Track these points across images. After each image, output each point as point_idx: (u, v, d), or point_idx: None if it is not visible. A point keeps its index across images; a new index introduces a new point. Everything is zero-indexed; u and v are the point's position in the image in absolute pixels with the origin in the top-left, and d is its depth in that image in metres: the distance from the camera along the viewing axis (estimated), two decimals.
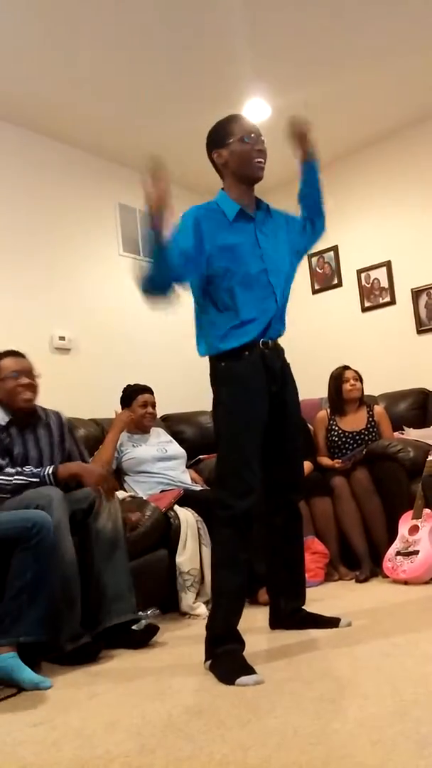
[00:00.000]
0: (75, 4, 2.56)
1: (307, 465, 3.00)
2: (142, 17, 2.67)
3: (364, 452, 3.00)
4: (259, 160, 1.89)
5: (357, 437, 3.14)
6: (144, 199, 1.71)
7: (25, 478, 2.09)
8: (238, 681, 1.54)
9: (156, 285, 1.78)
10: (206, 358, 1.92)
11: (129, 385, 3.01)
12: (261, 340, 1.87)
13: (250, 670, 1.58)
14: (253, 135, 1.89)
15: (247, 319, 1.84)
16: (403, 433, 3.22)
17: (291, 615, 2.01)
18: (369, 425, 3.16)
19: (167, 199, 1.70)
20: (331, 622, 1.98)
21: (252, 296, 1.85)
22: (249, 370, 1.84)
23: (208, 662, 1.69)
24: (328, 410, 3.28)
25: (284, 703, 1.39)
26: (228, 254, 1.84)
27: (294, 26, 2.82)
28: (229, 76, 3.14)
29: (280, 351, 1.96)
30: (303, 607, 2.04)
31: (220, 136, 1.91)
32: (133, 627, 1.99)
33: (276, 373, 1.90)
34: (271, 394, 1.88)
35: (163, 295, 1.80)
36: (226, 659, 1.64)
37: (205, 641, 1.72)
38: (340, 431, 3.18)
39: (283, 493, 1.98)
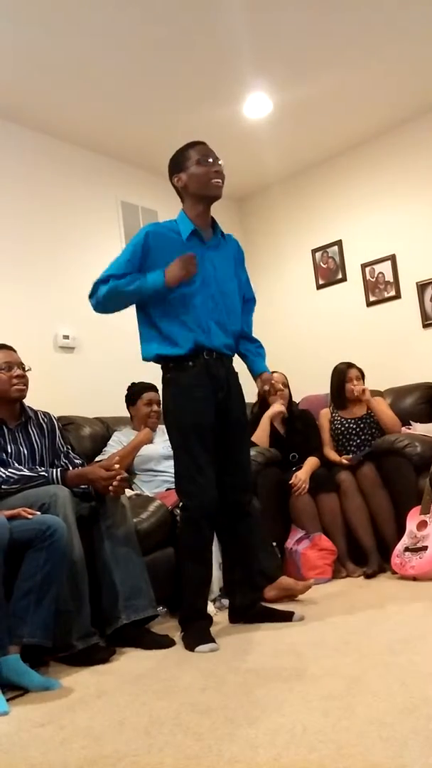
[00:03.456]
0: (77, 3, 2.55)
1: (314, 461, 2.99)
2: (142, 13, 2.65)
3: (369, 449, 3.00)
4: (217, 180, 2.03)
5: (360, 422, 3.15)
6: (183, 269, 1.95)
7: (31, 472, 2.09)
8: (197, 648, 1.85)
9: (110, 307, 2.09)
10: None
11: (134, 383, 3.01)
12: (204, 352, 2.02)
13: (208, 640, 1.88)
14: (210, 158, 2.03)
15: (184, 330, 2.01)
16: (410, 428, 3.20)
17: (247, 609, 2.13)
18: (368, 411, 3.18)
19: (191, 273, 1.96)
20: (285, 616, 2.08)
21: (191, 310, 2.00)
22: (194, 380, 2.00)
23: (181, 634, 1.97)
24: (331, 405, 3.28)
25: (292, 701, 1.38)
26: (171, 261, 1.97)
27: (295, 20, 2.79)
28: (231, 72, 3.12)
29: (225, 361, 2.10)
30: (258, 602, 2.18)
31: (179, 161, 2.06)
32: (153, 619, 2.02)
33: (221, 381, 2.05)
34: (218, 401, 2.03)
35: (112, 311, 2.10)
36: (191, 632, 1.92)
37: (178, 619, 2.03)
38: (342, 419, 3.20)
39: (230, 495, 2.09)
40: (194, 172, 2.02)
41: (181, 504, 2.08)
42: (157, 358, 2.07)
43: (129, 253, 2.03)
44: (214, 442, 2.03)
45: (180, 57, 2.97)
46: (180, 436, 2.02)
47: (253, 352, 2.24)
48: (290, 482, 2.85)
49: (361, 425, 3.15)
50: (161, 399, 2.10)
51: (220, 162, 2.05)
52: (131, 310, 2.14)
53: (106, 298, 2.02)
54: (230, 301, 2.12)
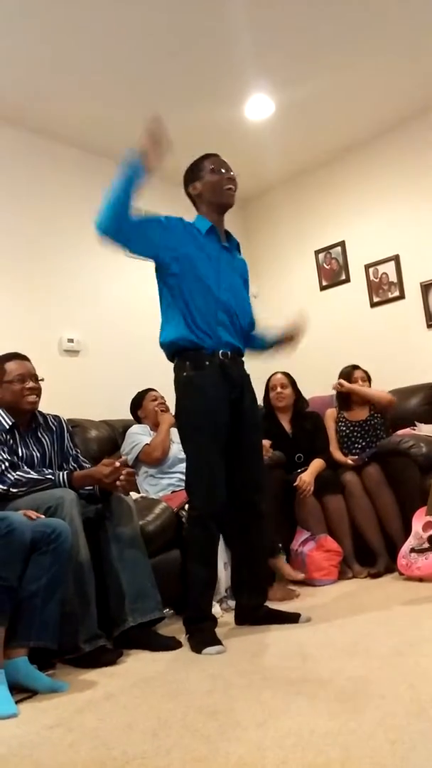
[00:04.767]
0: (76, 3, 2.56)
1: (320, 463, 2.99)
2: (143, 14, 2.66)
3: (375, 449, 3.01)
4: (230, 186, 2.12)
5: (364, 425, 3.17)
6: (147, 136, 1.90)
7: (39, 475, 2.10)
8: (204, 651, 1.85)
9: (112, 232, 1.95)
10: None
11: (136, 393, 3.08)
12: (220, 351, 2.05)
13: (215, 642, 1.88)
14: (223, 168, 2.14)
15: (200, 323, 2.03)
16: (414, 429, 3.19)
17: (253, 611, 2.14)
18: (371, 413, 3.20)
19: (166, 145, 1.90)
20: (292, 618, 2.09)
21: (207, 304, 2.04)
22: (209, 380, 2.02)
23: (186, 636, 1.97)
24: (337, 407, 3.29)
25: (300, 703, 1.39)
26: (190, 261, 2.04)
27: (296, 21, 2.80)
28: (232, 73, 3.12)
29: (239, 362, 2.14)
30: (265, 603, 2.18)
31: (194, 171, 2.17)
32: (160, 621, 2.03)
33: (235, 382, 2.08)
34: (231, 402, 2.05)
35: (113, 234, 1.96)
36: (198, 634, 1.93)
37: (183, 620, 2.02)
38: (347, 422, 3.22)
39: (242, 494, 2.11)
40: (209, 180, 2.13)
41: (189, 503, 2.09)
42: (177, 345, 2.06)
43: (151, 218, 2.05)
44: (226, 442, 2.05)
45: (181, 58, 2.98)
46: (192, 436, 2.04)
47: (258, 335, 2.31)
48: (295, 484, 2.86)
49: (366, 427, 3.17)
50: (175, 398, 2.10)
51: (232, 172, 2.16)
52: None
53: (102, 210, 1.95)
54: (245, 303, 2.19)
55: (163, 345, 2.12)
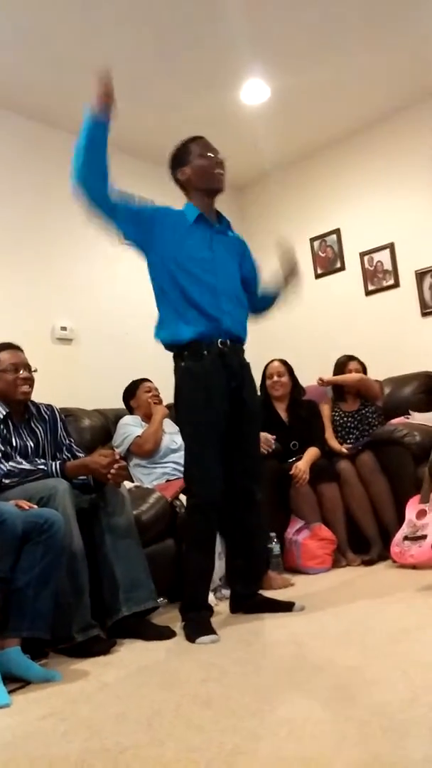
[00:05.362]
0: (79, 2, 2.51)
1: (315, 451, 2.99)
2: (140, 3, 2.60)
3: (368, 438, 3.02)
4: (219, 171, 2.07)
5: (356, 415, 3.19)
6: (98, 92, 1.90)
7: (31, 466, 2.09)
8: (198, 640, 1.84)
9: (88, 179, 1.90)
10: None
11: (129, 382, 3.05)
12: (219, 339, 2.01)
13: (209, 631, 1.86)
14: (211, 151, 2.07)
15: (198, 314, 2.00)
16: (408, 417, 3.19)
17: (248, 599, 2.14)
18: (362, 403, 3.23)
19: (113, 97, 1.90)
20: (286, 606, 2.09)
21: (201, 294, 2.00)
22: (208, 369, 1.99)
23: (182, 624, 1.96)
24: (332, 397, 3.29)
25: (294, 692, 1.39)
26: (180, 251, 2.00)
27: (292, 6, 2.75)
28: (228, 58, 3.07)
29: (238, 350, 2.10)
30: (259, 592, 2.18)
31: (181, 155, 2.10)
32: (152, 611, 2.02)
33: (235, 371, 2.05)
34: (231, 391, 2.02)
35: (94, 200, 1.93)
36: (192, 623, 1.92)
37: (179, 608, 2.01)
38: (341, 412, 3.24)
39: (240, 482, 2.09)
40: (198, 164, 2.06)
41: (188, 492, 2.08)
42: (172, 342, 2.05)
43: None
44: (225, 431, 2.03)
45: (175, 43, 2.92)
46: (191, 425, 2.03)
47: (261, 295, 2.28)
48: (290, 473, 2.85)
49: (358, 418, 3.18)
50: (174, 387, 2.08)
51: (220, 155, 2.09)
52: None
53: (74, 167, 1.93)
54: (239, 289, 2.15)
55: (160, 338, 2.09)
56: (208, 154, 2.06)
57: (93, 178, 1.91)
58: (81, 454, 2.31)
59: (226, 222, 2.19)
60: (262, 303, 2.28)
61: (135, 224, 2.00)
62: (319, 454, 3.00)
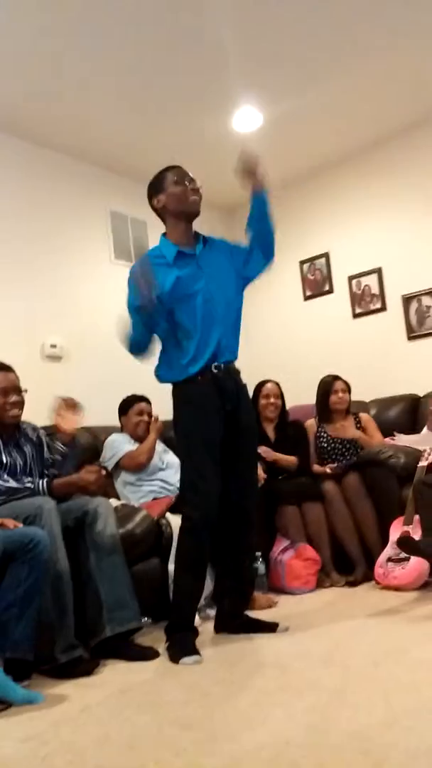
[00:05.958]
0: (65, 13, 2.57)
1: (292, 458, 3.05)
2: (133, 26, 2.67)
3: (354, 459, 3.04)
4: (194, 197, 2.12)
5: (347, 443, 3.17)
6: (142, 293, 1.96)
7: (18, 484, 2.10)
8: (181, 661, 1.85)
9: (141, 347, 2.11)
10: None
11: (127, 396, 3.05)
12: (213, 364, 2.06)
13: (193, 652, 1.88)
14: (186, 178, 2.12)
15: (194, 352, 2.05)
16: (393, 439, 3.23)
17: (233, 619, 2.14)
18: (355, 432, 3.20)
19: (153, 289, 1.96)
20: (270, 627, 2.10)
21: (197, 327, 2.05)
22: (203, 393, 2.04)
23: (166, 644, 1.96)
24: (316, 417, 3.31)
25: (276, 715, 1.39)
26: (173, 290, 2.04)
27: (284, 34, 2.83)
28: (221, 84, 3.14)
29: (233, 373, 2.14)
30: (244, 612, 2.19)
31: (157, 184, 2.15)
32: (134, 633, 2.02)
33: (230, 393, 2.08)
34: (226, 414, 2.06)
35: (145, 351, 2.13)
36: (177, 644, 1.93)
37: (165, 628, 2.01)
38: (328, 437, 3.22)
39: (236, 500, 2.11)
40: (172, 191, 2.11)
41: (183, 513, 2.09)
42: (173, 380, 2.11)
43: (132, 295, 2.08)
44: (221, 454, 2.05)
45: (171, 69, 2.99)
46: (188, 448, 2.06)
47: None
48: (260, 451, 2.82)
49: (348, 446, 3.17)
50: (173, 410, 2.11)
51: (197, 181, 2.13)
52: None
53: (129, 346, 2.12)
54: (233, 309, 2.17)
55: (159, 378, 2.16)
56: (184, 181, 2.10)
57: (141, 351, 2.12)
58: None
59: (202, 239, 2.18)
60: (259, 234, 2.18)
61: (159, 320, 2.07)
62: (295, 462, 3.04)
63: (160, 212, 2.16)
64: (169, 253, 2.11)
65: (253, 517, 2.18)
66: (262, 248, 2.20)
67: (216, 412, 2.04)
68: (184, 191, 2.10)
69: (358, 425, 3.24)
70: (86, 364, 3.44)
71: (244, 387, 2.19)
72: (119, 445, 2.86)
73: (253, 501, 2.19)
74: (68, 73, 2.94)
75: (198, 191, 2.12)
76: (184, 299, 2.06)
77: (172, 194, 2.10)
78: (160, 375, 2.16)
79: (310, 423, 3.31)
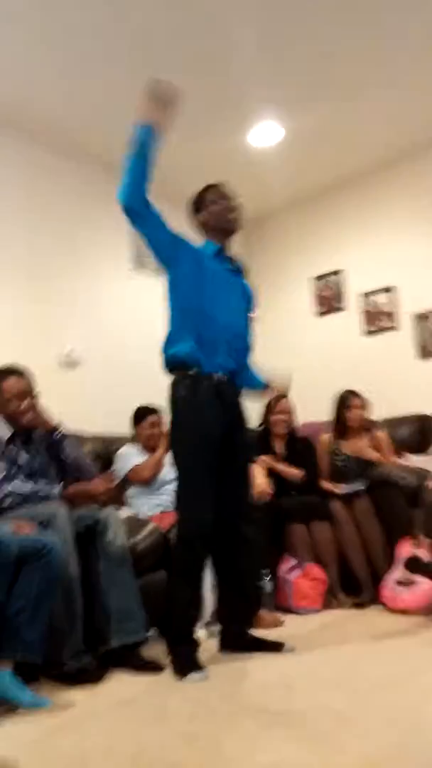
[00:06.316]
0: (85, 30, 2.63)
1: (296, 471, 3.07)
2: (154, 40, 2.72)
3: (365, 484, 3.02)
4: (233, 215, 2.21)
5: (362, 463, 3.14)
6: (148, 98, 1.91)
7: (34, 488, 2.12)
8: (187, 675, 1.84)
9: (131, 185, 1.99)
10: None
11: (141, 406, 3.05)
12: (217, 373, 2.07)
13: (198, 667, 1.88)
14: (226, 196, 2.21)
15: (202, 341, 2.06)
16: (403, 458, 3.22)
17: (238, 638, 2.13)
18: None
19: (173, 98, 1.91)
20: (276, 647, 2.08)
21: (209, 325, 2.07)
22: (204, 402, 2.03)
23: (170, 658, 1.94)
24: (332, 433, 3.30)
25: (282, 737, 1.39)
26: (198, 280, 2.08)
27: (305, 49, 2.86)
28: (241, 99, 3.19)
29: (234, 384, 2.15)
30: (249, 631, 2.18)
31: (197, 203, 2.24)
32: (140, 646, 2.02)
33: (229, 404, 2.10)
34: (224, 424, 2.06)
35: (134, 203, 2.00)
36: (180, 658, 1.91)
37: (167, 641, 2.00)
38: (343, 456, 3.19)
39: (229, 518, 2.10)
40: (213, 210, 2.20)
41: (177, 523, 2.09)
42: (174, 355, 2.08)
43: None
44: (217, 464, 2.05)
45: (191, 83, 2.99)
46: (184, 456, 2.05)
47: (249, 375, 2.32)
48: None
49: (363, 466, 3.13)
50: (170, 414, 2.10)
51: (236, 199, 2.21)
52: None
53: (122, 179, 2.01)
54: (245, 327, 2.23)
55: (166, 354, 2.11)
56: (223, 199, 2.20)
57: (137, 180, 1.99)
58: (90, 471, 2.36)
59: (240, 267, 2.30)
60: (248, 379, 2.29)
61: (164, 234, 2.07)
62: (300, 475, 3.06)
63: (201, 228, 2.24)
64: (210, 249, 2.19)
65: (249, 536, 2.17)
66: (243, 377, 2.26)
67: (215, 422, 2.04)
68: (224, 209, 2.19)
69: (373, 443, 3.22)
70: (102, 371, 3.47)
71: (242, 401, 2.20)
72: (128, 459, 2.87)
73: (248, 520, 2.18)
74: (90, 86, 3.00)
75: (237, 209, 2.21)
76: (206, 296, 2.08)
77: (212, 212, 2.19)
78: (167, 349, 2.11)
79: (324, 439, 3.29)
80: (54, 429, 2.32)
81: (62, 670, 1.83)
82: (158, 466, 2.85)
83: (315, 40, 2.81)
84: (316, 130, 3.52)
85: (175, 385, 2.09)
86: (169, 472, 2.88)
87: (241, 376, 2.23)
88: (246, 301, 2.28)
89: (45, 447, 2.31)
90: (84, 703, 1.68)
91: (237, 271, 2.27)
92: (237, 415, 2.15)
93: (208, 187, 2.23)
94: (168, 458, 2.93)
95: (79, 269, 3.56)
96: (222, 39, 2.75)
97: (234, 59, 2.87)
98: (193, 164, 2.97)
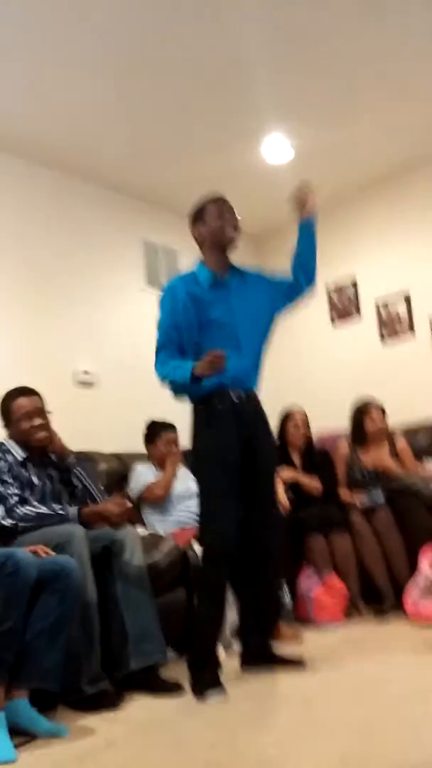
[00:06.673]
0: (95, 45, 2.65)
1: (315, 483, 3.07)
2: (164, 55, 2.74)
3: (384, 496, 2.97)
4: (233, 235, 2.17)
5: (381, 473, 3.09)
6: (210, 368, 1.97)
7: (48, 510, 2.12)
8: (207, 697, 1.82)
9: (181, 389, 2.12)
10: None
11: (153, 422, 3.04)
12: (234, 391, 2.07)
13: (218, 688, 1.85)
14: (227, 213, 2.16)
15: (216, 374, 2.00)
16: (423, 466, 3.16)
17: (258, 655, 2.09)
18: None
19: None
20: (297, 663, 2.05)
21: (217, 346, 2.02)
22: (221, 420, 2.04)
23: (190, 680, 1.91)
24: (350, 441, 3.25)
25: (306, 759, 1.35)
26: (200, 306, 2.08)
27: (316, 62, 2.86)
28: (253, 115, 3.20)
29: (252, 399, 2.14)
30: (271, 647, 2.13)
31: (198, 214, 2.20)
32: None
33: (248, 421, 2.08)
34: (244, 440, 2.05)
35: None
36: (201, 678, 1.89)
37: (187, 663, 1.97)
38: (363, 469, 3.14)
39: (256, 534, 2.08)
40: (212, 225, 2.15)
41: (201, 542, 2.09)
42: (193, 397, 2.11)
43: (168, 318, 2.13)
44: (239, 481, 2.04)
45: (202, 98, 3.05)
46: (205, 474, 2.06)
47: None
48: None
49: (381, 475, 3.08)
50: (190, 436, 2.11)
51: (237, 217, 2.18)
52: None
53: (165, 380, 2.12)
54: (254, 340, 2.18)
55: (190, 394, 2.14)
56: (224, 216, 2.15)
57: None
58: (99, 497, 2.34)
59: (239, 271, 2.23)
60: (304, 259, 2.34)
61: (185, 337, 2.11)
62: (318, 487, 3.06)
63: (198, 241, 2.22)
64: (203, 279, 2.16)
65: (274, 550, 2.14)
66: (305, 273, 2.32)
67: (235, 439, 2.04)
68: (222, 227, 2.14)
69: (394, 451, 3.17)
70: (117, 390, 3.49)
71: (263, 414, 2.18)
72: (142, 478, 2.86)
73: (274, 532, 2.15)
74: (101, 105, 3.03)
75: (238, 227, 2.18)
76: (211, 325, 2.08)
77: (210, 228, 2.15)
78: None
79: (343, 446, 3.25)
80: (68, 454, 2.32)
81: (80, 695, 1.81)
82: (169, 483, 2.84)
83: (325, 55, 2.81)
84: (328, 143, 3.51)
85: (193, 406, 2.11)
86: (186, 487, 2.86)
87: (299, 279, 2.32)
88: (265, 293, 2.23)
89: (57, 472, 2.31)
90: (103, 729, 1.66)
91: (237, 281, 2.19)
92: (258, 428, 2.13)
93: (211, 201, 2.19)
94: (184, 473, 2.92)
95: (94, 289, 3.59)
96: (234, 56, 2.76)
97: (246, 74, 2.88)
98: (208, 182, 2.96)
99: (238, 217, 2.18)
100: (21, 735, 1.60)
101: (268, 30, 2.64)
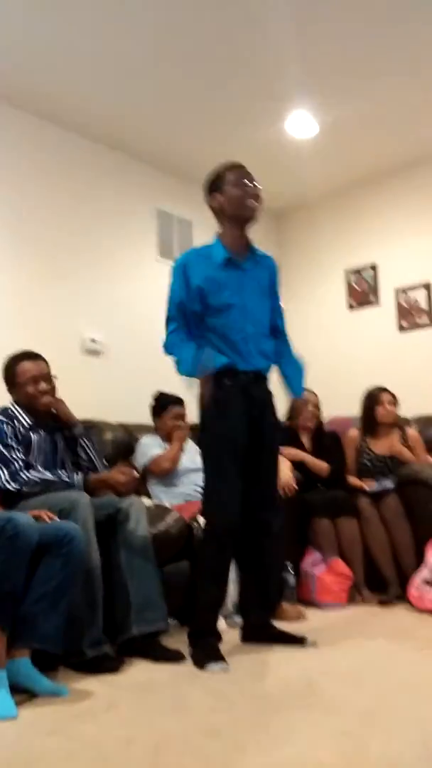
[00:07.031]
0: (125, 22, 2.60)
1: (323, 464, 3.03)
2: (189, 30, 2.69)
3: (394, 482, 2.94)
4: (253, 202, 2.05)
5: (389, 461, 3.06)
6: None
7: (53, 476, 2.11)
8: (208, 667, 1.82)
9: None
10: None
11: (161, 394, 3.01)
12: (243, 371, 2.04)
13: (219, 659, 1.85)
14: (247, 181, 2.05)
15: (224, 347, 2.03)
16: None
17: (260, 630, 2.10)
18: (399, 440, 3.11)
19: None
20: (298, 641, 2.05)
21: (228, 330, 2.04)
22: (229, 398, 2.01)
23: (190, 649, 1.94)
24: (360, 429, 3.22)
25: (304, 731, 1.35)
26: (210, 291, 2.03)
27: (341, 40, 2.78)
28: (277, 89, 3.13)
29: (261, 381, 2.11)
30: (272, 623, 2.15)
31: (216, 182, 2.08)
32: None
33: (256, 401, 2.06)
34: (251, 420, 2.03)
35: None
36: (201, 649, 1.91)
37: (187, 634, 1.99)
38: (372, 455, 3.12)
39: (258, 513, 2.07)
40: (231, 194, 2.04)
41: (204, 519, 2.08)
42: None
43: (177, 293, 2.09)
44: (244, 460, 2.03)
45: (225, 71, 2.98)
46: (212, 453, 2.04)
47: (291, 375, 2.26)
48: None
49: (390, 465, 3.05)
50: (198, 412, 2.09)
51: (257, 185, 2.07)
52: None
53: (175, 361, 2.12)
54: (263, 324, 2.14)
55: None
56: (244, 183, 2.04)
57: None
58: (102, 467, 2.33)
59: (255, 254, 2.15)
60: (286, 373, 2.25)
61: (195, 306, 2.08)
62: (326, 468, 3.02)
63: (215, 211, 2.11)
64: (218, 255, 2.08)
65: (275, 530, 2.13)
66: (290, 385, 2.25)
67: (241, 417, 2.02)
68: (243, 195, 2.03)
69: (404, 441, 3.13)
70: (125, 360, 3.46)
71: (270, 394, 2.15)
72: (148, 450, 2.84)
73: (275, 513, 2.14)
74: (123, 72, 2.97)
75: (258, 196, 2.06)
76: (221, 307, 2.05)
77: (230, 196, 2.03)
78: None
79: (353, 434, 3.22)
80: (74, 424, 2.30)
81: (81, 658, 1.81)
82: (176, 456, 2.83)
83: (351, 33, 2.72)
84: (354, 122, 3.43)
85: (201, 384, 2.06)
86: (192, 460, 2.84)
87: (282, 364, 2.21)
88: (269, 285, 2.17)
89: (64, 439, 2.29)
90: (103, 692, 1.66)
91: (252, 265, 2.12)
92: (265, 410, 2.11)
93: (230, 168, 2.07)
94: (191, 446, 2.90)
95: (105, 257, 3.54)
96: (260, 31, 2.68)
97: (272, 49, 2.81)
98: (227, 154, 2.90)
99: (258, 187, 2.07)
100: (21, 693, 1.60)
101: (297, 4, 2.56)
